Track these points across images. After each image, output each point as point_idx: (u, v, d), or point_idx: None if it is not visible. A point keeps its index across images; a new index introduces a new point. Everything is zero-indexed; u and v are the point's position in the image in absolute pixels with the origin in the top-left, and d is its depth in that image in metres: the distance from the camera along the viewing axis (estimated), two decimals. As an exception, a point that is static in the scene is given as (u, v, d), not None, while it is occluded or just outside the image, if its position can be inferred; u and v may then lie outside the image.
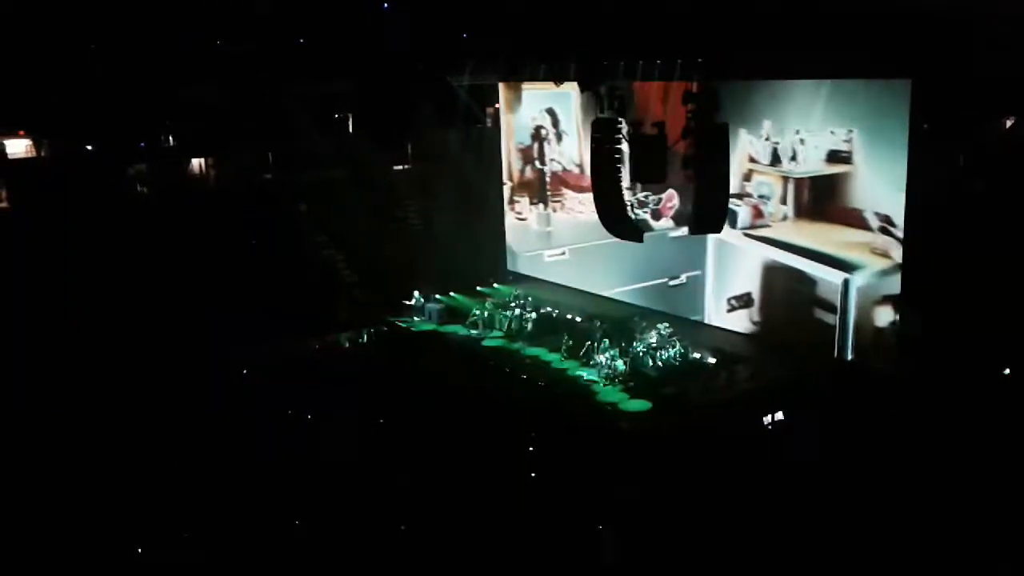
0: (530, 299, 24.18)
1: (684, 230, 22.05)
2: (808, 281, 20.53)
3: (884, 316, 18.96)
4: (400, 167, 28.56)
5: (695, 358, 20.45)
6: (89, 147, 24.59)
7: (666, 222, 24.07)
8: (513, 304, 24.05)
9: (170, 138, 26.43)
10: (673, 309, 23.15)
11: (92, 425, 17.82)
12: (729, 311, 22.51)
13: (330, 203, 25.99)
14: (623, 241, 21.00)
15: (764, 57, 18.60)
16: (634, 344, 20.57)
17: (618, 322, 21.61)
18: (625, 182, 19.65)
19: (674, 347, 20.42)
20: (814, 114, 18.97)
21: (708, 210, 17.66)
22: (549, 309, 23.72)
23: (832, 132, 18.91)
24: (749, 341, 21.66)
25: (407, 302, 25.09)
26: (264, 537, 13.98)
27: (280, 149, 26.75)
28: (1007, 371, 17.21)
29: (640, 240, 20.67)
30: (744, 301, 22.31)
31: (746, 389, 18.95)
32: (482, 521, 14.17)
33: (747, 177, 21.59)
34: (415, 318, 24.70)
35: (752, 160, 21.39)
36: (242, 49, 24.04)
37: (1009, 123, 18.16)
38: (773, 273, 21.44)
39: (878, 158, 18.51)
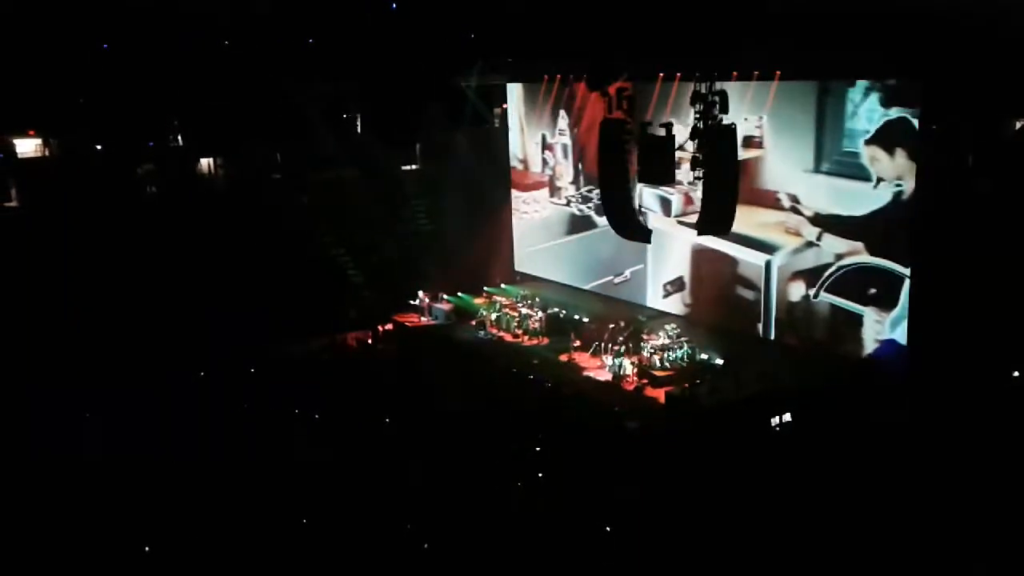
0: (537, 299, 24.19)
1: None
2: (733, 263, 21.67)
3: (798, 291, 20.37)
4: (408, 167, 28.58)
5: (703, 359, 20.44)
6: (98, 146, 24.65)
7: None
8: (520, 304, 24.06)
9: (179, 137, 26.49)
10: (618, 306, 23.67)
11: (97, 424, 17.88)
12: (664, 296, 23.55)
13: (338, 203, 26.02)
14: (567, 241, 21.37)
15: (774, 57, 18.62)
16: (641, 345, 20.57)
17: (626, 323, 21.59)
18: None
19: (681, 348, 20.41)
20: (743, 105, 19.60)
21: (716, 211, 17.61)
22: (556, 309, 23.72)
23: (745, 119, 19.41)
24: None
25: (412, 302, 25.15)
26: (272, 536, 13.99)
27: (289, 149, 26.79)
28: (1016, 373, 17.14)
29: (648, 241, 20.70)
30: (677, 285, 23.51)
31: (754, 391, 18.92)
32: (489, 521, 14.17)
33: (677, 165, 22.19)
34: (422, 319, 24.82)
35: (682, 148, 21.99)
36: (251, 49, 24.06)
37: (1019, 124, 18.11)
38: (702, 257, 22.53)
39: (786, 143, 19.29)
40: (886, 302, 18.88)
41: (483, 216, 27.20)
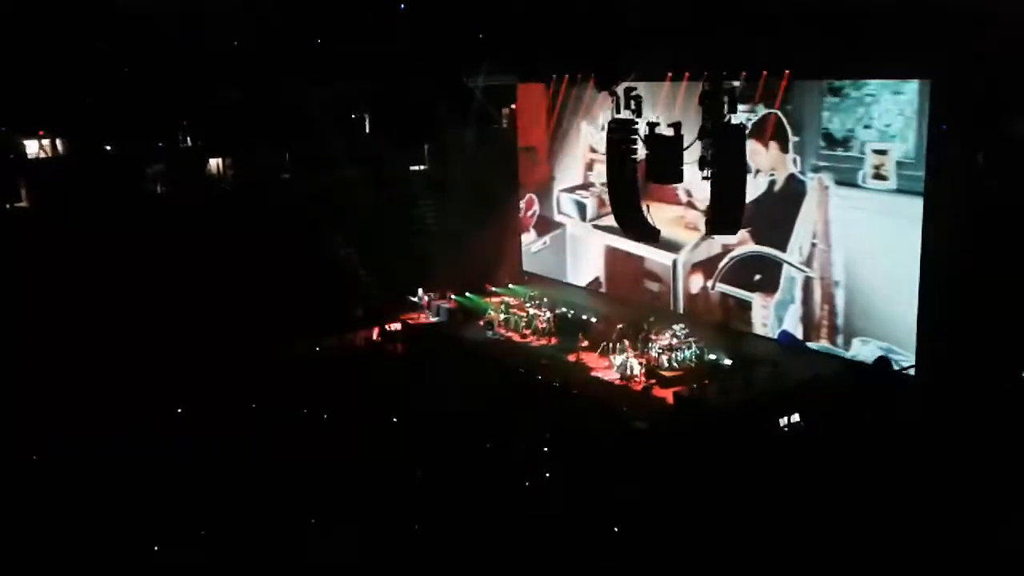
0: (545, 299, 24.18)
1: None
2: (642, 262, 23.52)
3: (697, 283, 22.24)
4: (416, 167, 28.60)
5: (711, 359, 20.40)
6: (108, 147, 24.74)
7: (529, 235, 26.93)
8: (528, 304, 24.06)
9: (188, 138, 26.56)
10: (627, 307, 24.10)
11: (106, 424, 17.93)
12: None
13: (346, 203, 26.05)
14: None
15: (783, 57, 18.59)
16: (649, 345, 20.54)
17: (634, 323, 21.56)
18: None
19: (689, 348, 20.38)
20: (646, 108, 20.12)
21: (725, 211, 17.55)
22: (564, 309, 23.71)
23: (658, 119, 19.85)
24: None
25: (412, 299, 25.23)
26: (279, 535, 14.01)
27: (297, 149, 26.83)
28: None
29: (656, 240, 20.65)
30: (594, 286, 25.18)
31: (762, 391, 18.89)
32: (495, 521, 14.16)
33: (589, 167, 24.15)
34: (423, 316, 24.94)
35: (592, 150, 23.67)
36: (259, 49, 24.11)
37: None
38: (615, 258, 24.26)
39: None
40: (769, 287, 20.58)
41: (491, 216, 27.19)
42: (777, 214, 20.33)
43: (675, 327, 20.95)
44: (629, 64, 19.01)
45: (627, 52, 19.23)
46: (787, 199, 20.17)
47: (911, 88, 17.84)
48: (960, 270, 16.95)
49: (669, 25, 18.64)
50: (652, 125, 18.17)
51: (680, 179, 18.72)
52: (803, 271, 20.27)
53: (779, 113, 19.83)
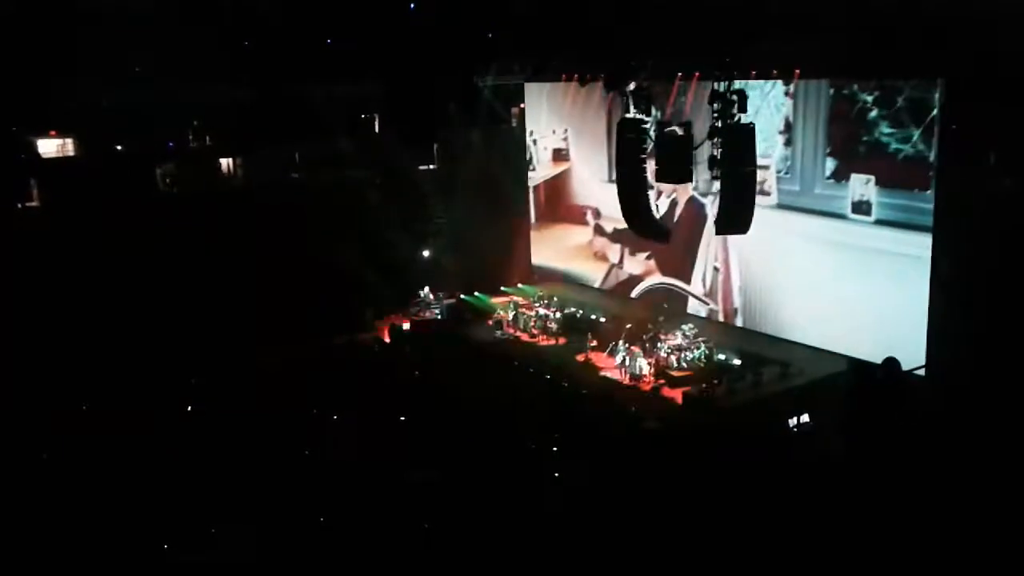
0: (555, 299, 24.17)
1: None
2: None
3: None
4: (426, 167, 28.60)
5: (720, 359, 20.36)
6: (118, 147, 24.81)
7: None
8: (537, 304, 24.06)
9: (196, 138, 26.61)
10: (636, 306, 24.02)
11: (116, 422, 18.00)
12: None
13: (355, 203, 26.08)
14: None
15: (797, 57, 18.55)
16: (658, 345, 20.51)
17: (642, 323, 21.53)
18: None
19: (699, 348, 20.34)
20: (541, 115, 19.40)
21: (735, 210, 17.51)
22: (574, 309, 23.69)
23: (553, 131, 19.36)
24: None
25: (420, 298, 25.25)
26: (288, 535, 14.05)
27: (307, 149, 26.87)
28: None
29: (666, 240, 20.58)
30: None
31: (771, 392, 18.87)
32: (504, 520, 14.17)
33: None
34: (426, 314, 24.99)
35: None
36: (270, 49, 24.15)
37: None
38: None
39: (585, 153, 19.09)
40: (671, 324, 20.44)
41: (500, 216, 27.19)
42: (681, 241, 19.74)
43: (684, 327, 20.91)
44: (639, 64, 18.98)
45: (637, 52, 19.20)
46: (690, 222, 19.59)
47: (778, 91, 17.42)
48: (974, 271, 16.86)
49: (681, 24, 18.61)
50: (662, 124, 18.16)
51: (690, 178, 18.72)
52: (705, 303, 19.97)
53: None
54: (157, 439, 17.14)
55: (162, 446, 16.84)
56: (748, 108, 16.92)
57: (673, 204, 19.65)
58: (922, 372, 17.58)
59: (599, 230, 20.15)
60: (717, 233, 19.33)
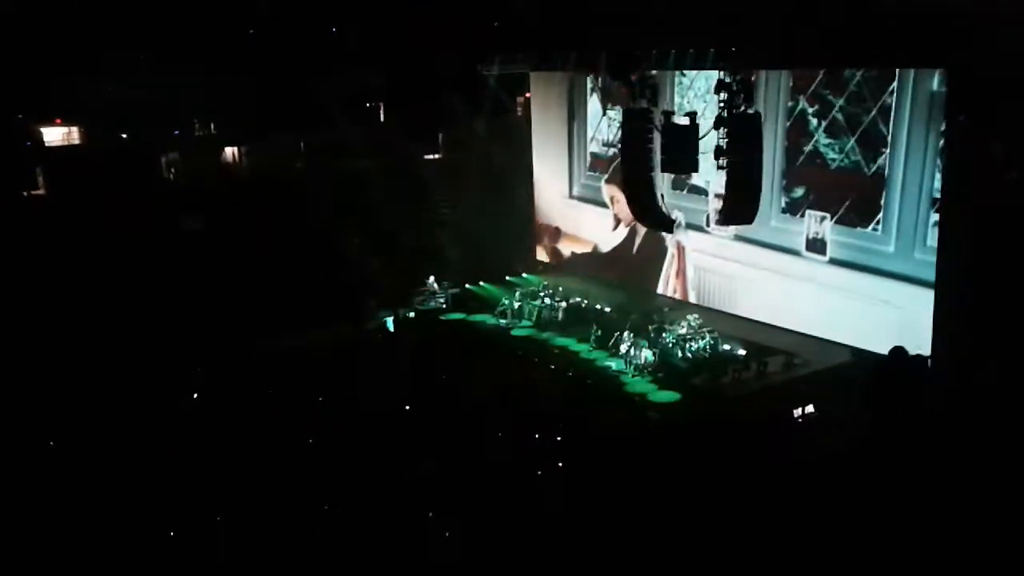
0: (560, 289, 24.15)
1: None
2: None
3: None
4: (431, 156, 28.58)
5: (725, 349, 20.34)
6: (123, 135, 24.84)
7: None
8: (542, 294, 24.05)
9: (202, 127, 26.64)
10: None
11: (123, 411, 18.04)
12: None
13: (360, 192, 26.07)
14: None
15: (801, 47, 18.48)
16: (664, 335, 20.49)
17: (647, 313, 21.52)
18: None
19: (704, 338, 20.30)
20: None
21: (741, 201, 17.49)
22: (578, 299, 23.67)
23: None
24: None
25: (425, 287, 25.28)
26: (293, 523, 14.08)
27: (312, 138, 26.86)
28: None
29: (671, 230, 20.57)
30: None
31: (776, 382, 18.85)
32: (509, 510, 14.19)
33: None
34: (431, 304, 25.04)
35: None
36: (275, 38, 24.13)
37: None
38: None
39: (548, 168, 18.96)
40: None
41: (506, 206, 27.16)
42: (637, 267, 19.69)
43: (689, 317, 20.87)
44: (643, 53, 18.91)
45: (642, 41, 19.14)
46: (649, 248, 19.70)
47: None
48: (978, 267, 16.80)
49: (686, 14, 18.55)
50: (667, 114, 18.12)
51: (696, 169, 18.67)
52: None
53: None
54: (161, 426, 17.17)
55: (166, 434, 16.87)
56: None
57: (632, 232, 19.87)
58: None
59: (556, 253, 20.69)
60: (720, 224, 19.30)
